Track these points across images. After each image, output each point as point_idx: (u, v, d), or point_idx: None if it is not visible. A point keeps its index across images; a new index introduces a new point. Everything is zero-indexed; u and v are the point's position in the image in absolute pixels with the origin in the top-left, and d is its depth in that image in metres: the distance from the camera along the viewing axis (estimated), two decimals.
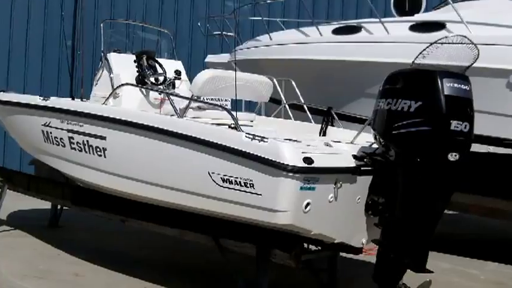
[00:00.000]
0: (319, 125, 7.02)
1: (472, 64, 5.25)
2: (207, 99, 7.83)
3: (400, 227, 5.17)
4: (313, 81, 8.88)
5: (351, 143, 5.93)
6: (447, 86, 4.91)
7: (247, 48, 10.40)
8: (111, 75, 7.43)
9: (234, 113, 5.77)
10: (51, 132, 7.25)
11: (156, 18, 13.41)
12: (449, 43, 5.29)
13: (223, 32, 10.83)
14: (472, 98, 5.08)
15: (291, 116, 7.57)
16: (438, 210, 5.18)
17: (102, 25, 7.90)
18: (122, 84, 7.13)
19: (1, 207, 8.72)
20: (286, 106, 7.62)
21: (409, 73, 5.15)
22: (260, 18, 10.66)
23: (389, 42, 8.49)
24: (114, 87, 7.20)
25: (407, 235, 5.15)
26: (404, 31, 8.51)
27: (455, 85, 4.95)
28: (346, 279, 6.74)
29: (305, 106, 7.47)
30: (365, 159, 5.50)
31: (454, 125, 4.87)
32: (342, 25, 9.50)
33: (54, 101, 7.34)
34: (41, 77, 13.14)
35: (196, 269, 7.39)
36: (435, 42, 5.30)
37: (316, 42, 9.33)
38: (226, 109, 6.11)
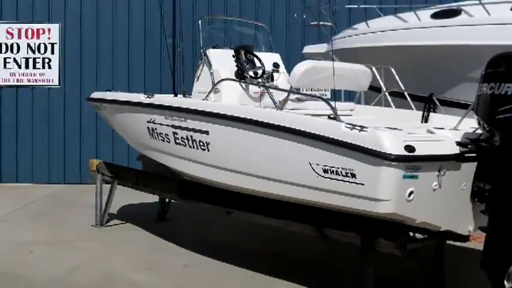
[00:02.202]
0: (421, 112, 6.91)
1: None
2: (306, 91, 7.87)
3: (507, 213, 5.03)
4: (413, 67, 8.74)
5: (454, 129, 5.80)
6: None
7: (345, 37, 10.34)
8: (211, 71, 7.56)
9: (332, 103, 5.76)
10: (156, 129, 7.49)
11: (253, 12, 13.54)
12: None
13: (320, 22, 10.80)
14: None
15: (391, 104, 7.49)
16: None
17: (200, 22, 8.05)
18: (222, 79, 7.28)
19: (112, 202, 9.11)
20: (386, 94, 7.54)
21: None
22: (356, 6, 10.59)
23: (491, 24, 8.23)
24: (214, 82, 7.35)
25: None
26: (506, 12, 8.23)
27: None
28: (452, 268, 6.62)
29: (406, 93, 7.36)
30: (469, 146, 5.38)
31: None
32: (440, 9, 9.30)
33: (158, 98, 7.59)
34: (144, 75, 13.62)
35: (302, 259, 7.47)
36: None
37: (415, 28, 9.16)
38: (324, 100, 6.10)
